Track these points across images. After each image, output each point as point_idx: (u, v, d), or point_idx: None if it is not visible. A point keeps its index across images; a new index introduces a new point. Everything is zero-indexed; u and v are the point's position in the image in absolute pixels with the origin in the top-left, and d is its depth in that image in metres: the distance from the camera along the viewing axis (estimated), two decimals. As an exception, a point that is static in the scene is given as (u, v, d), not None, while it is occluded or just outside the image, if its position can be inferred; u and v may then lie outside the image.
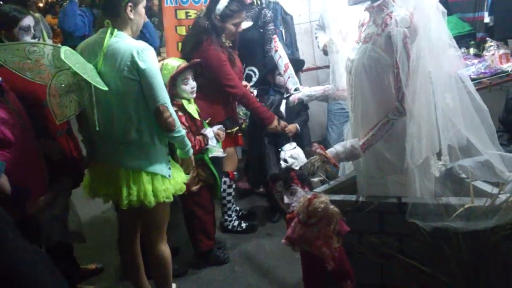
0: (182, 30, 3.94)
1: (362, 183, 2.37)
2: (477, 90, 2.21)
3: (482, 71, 3.75)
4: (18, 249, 1.52)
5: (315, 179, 2.48)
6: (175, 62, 2.89)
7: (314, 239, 2.01)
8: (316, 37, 3.89)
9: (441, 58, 2.12)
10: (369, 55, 2.18)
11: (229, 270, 3.19)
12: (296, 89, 2.94)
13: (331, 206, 2.02)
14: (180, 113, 2.85)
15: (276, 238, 3.40)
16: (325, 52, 3.72)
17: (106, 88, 2.17)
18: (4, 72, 2.46)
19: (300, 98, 2.85)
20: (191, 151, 2.53)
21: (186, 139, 2.46)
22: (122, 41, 2.22)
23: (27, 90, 2.58)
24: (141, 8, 2.32)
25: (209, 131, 2.97)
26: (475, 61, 3.88)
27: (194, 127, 2.94)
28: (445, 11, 2.16)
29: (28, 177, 2.30)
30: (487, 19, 4.12)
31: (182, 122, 2.81)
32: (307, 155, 2.36)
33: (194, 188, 3.00)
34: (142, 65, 2.17)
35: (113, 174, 2.34)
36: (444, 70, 2.13)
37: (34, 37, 2.67)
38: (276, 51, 3.54)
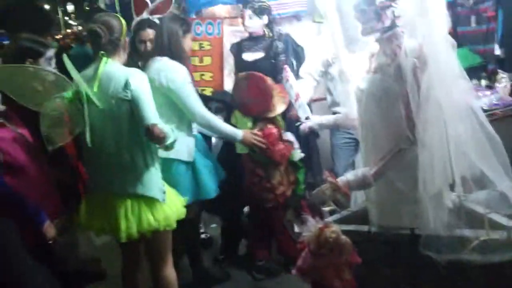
0: (195, 61, 4.00)
1: (374, 213, 2.33)
2: (490, 121, 2.19)
3: (495, 102, 3.72)
4: (25, 266, 1.54)
5: (326, 208, 2.46)
6: None
7: (325, 270, 1.98)
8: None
9: (451, 89, 2.12)
10: (379, 85, 2.19)
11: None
12: (307, 118, 2.95)
13: (343, 237, 2.00)
14: (270, 126, 3.10)
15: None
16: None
17: (100, 105, 2.26)
18: None
19: (311, 126, 2.86)
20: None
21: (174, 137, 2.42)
22: (117, 68, 2.35)
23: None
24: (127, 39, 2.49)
25: (290, 135, 3.18)
26: (487, 92, 3.86)
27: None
28: (455, 43, 2.17)
29: (40, 201, 2.32)
30: (497, 51, 4.12)
31: (271, 134, 3.08)
32: (319, 183, 2.34)
33: (288, 193, 3.19)
34: (132, 86, 2.28)
35: (109, 205, 2.35)
36: (455, 100, 2.12)
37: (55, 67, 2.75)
38: (287, 80, 3.56)
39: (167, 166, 2.72)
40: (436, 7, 2.08)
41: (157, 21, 3.08)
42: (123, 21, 2.43)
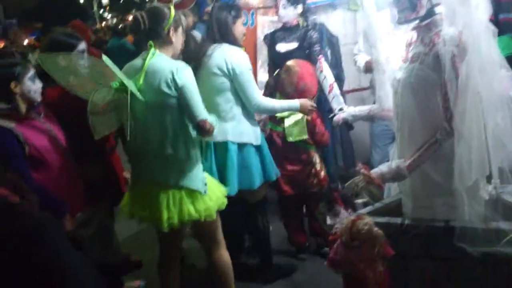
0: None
1: (408, 205, 2.30)
2: (531, 111, 2.12)
3: (537, 92, 3.60)
4: (68, 249, 1.60)
5: (359, 200, 2.44)
6: None
7: (358, 262, 1.97)
8: (356, 61, 3.76)
9: (491, 78, 2.06)
10: (416, 74, 2.15)
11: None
12: (341, 109, 2.93)
13: (375, 229, 1.99)
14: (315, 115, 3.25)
15: (319, 260, 3.35)
16: (369, 69, 3.61)
17: (142, 98, 2.27)
18: (55, 90, 2.59)
19: (345, 118, 2.84)
20: None
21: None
22: (162, 61, 2.35)
23: (77, 107, 2.69)
24: (180, 31, 2.46)
25: None
26: (529, 82, 3.73)
27: None
28: (496, 30, 2.10)
29: (64, 196, 2.38)
30: (540, 39, 3.97)
31: (318, 118, 3.28)
32: (352, 175, 2.33)
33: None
34: (180, 82, 2.28)
35: (151, 195, 2.38)
36: (495, 90, 2.07)
37: None
38: (321, 71, 3.55)
39: (239, 150, 2.85)
40: (477, -7, 2.02)
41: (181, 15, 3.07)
42: (172, 12, 2.39)
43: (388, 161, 2.45)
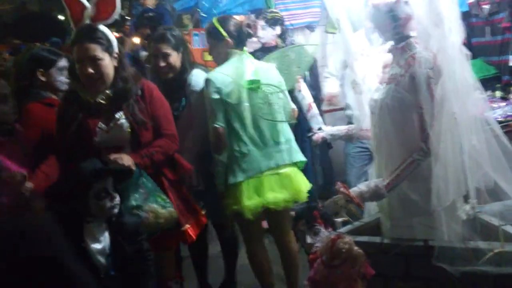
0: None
1: (387, 224, 2.32)
2: (504, 133, 2.18)
3: (509, 113, 3.68)
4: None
5: (339, 219, 2.44)
6: None
7: (338, 281, 1.97)
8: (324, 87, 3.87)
9: (466, 100, 2.11)
10: (393, 96, 2.18)
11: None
12: (319, 129, 2.95)
13: (355, 248, 1.99)
14: None
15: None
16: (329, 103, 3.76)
17: (284, 92, 2.89)
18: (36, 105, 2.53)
19: (324, 137, 2.86)
20: None
21: None
22: (258, 62, 2.89)
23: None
24: None
25: None
26: (502, 104, 3.83)
27: None
28: (469, 53, 2.16)
29: None
30: (511, 62, 4.10)
31: None
32: (331, 194, 2.34)
33: None
34: (281, 78, 2.89)
35: (264, 183, 2.67)
36: (469, 112, 2.11)
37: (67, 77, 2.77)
38: (299, 91, 3.58)
39: None
40: (451, 18, 2.08)
41: (104, 29, 2.31)
42: None
43: (365, 180, 2.47)
